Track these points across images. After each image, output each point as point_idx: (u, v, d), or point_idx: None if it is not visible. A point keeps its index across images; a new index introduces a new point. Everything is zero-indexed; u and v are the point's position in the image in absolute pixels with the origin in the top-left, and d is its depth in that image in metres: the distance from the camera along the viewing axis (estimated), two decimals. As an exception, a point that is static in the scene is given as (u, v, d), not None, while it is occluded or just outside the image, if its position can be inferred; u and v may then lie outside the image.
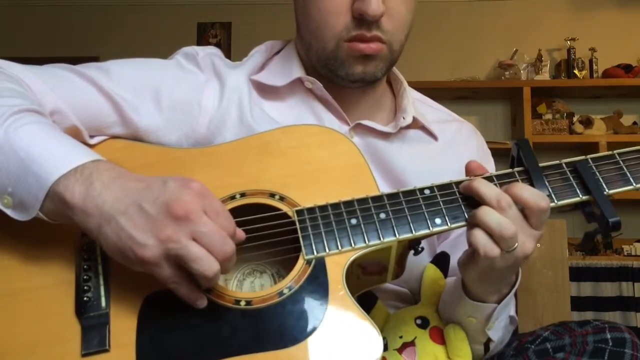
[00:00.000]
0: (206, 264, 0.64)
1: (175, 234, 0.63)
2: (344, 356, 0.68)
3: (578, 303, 3.00)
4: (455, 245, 0.98)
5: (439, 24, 3.73)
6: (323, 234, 0.75)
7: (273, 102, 0.98)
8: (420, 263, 0.94)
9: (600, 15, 3.79)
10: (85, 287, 0.72)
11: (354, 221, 0.76)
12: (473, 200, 0.76)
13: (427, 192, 0.78)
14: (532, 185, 0.77)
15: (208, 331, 0.70)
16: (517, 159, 0.81)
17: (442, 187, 0.78)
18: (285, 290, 0.72)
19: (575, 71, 3.64)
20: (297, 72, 0.97)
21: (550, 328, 0.88)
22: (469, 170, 0.79)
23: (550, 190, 0.77)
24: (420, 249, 0.79)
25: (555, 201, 0.77)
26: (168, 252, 0.64)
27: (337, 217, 0.76)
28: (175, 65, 0.96)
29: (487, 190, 0.74)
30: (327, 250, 0.74)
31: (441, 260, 0.95)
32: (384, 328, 0.91)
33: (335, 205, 0.77)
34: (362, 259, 0.76)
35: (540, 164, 0.78)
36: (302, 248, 0.74)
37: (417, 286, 0.96)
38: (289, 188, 0.80)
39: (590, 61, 3.67)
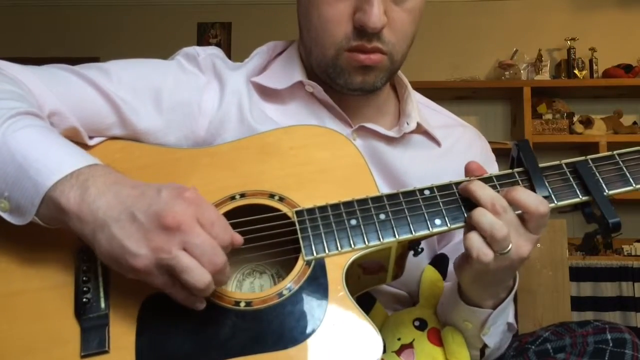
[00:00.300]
0: (197, 274, 0.63)
1: (166, 244, 0.63)
2: (344, 357, 0.68)
3: (578, 303, 3.00)
4: (457, 250, 0.97)
5: (439, 24, 3.73)
6: (323, 234, 0.75)
7: (274, 105, 0.98)
8: (419, 265, 0.94)
9: (600, 15, 3.79)
10: (85, 289, 0.72)
11: (353, 222, 0.75)
12: (472, 201, 0.75)
13: (427, 192, 0.78)
14: (532, 185, 0.77)
15: (208, 332, 0.70)
16: (517, 159, 0.80)
17: (442, 187, 0.78)
18: (285, 291, 0.72)
19: (576, 71, 3.64)
20: (298, 75, 0.96)
21: (551, 328, 0.88)
22: (469, 171, 0.79)
23: (550, 191, 0.77)
24: (420, 249, 0.79)
25: (555, 202, 0.76)
26: (159, 262, 0.64)
27: (336, 217, 0.76)
28: (176, 66, 0.96)
29: (483, 192, 0.73)
30: (326, 251, 0.74)
31: (440, 262, 0.95)
32: (382, 330, 0.91)
33: (335, 206, 0.77)
34: (361, 260, 0.75)
35: (540, 165, 0.78)
36: (302, 249, 0.74)
37: (415, 289, 0.95)
38: (289, 189, 0.80)
39: (591, 61, 3.68)
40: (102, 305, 0.72)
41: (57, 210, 0.67)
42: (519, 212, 0.73)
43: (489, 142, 1.11)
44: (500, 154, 1.12)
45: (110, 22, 3.94)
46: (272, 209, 0.78)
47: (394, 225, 0.75)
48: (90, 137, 0.86)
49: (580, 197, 0.77)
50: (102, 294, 0.72)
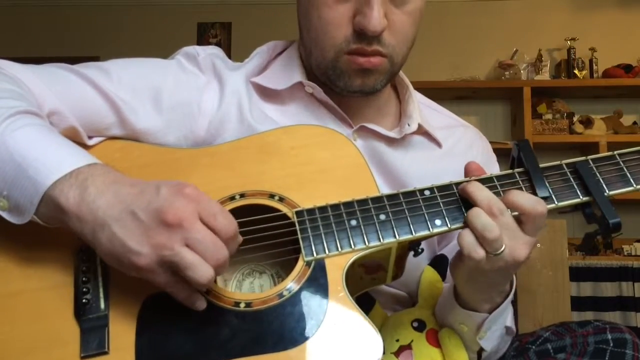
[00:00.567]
0: (200, 270, 0.63)
1: (168, 241, 0.63)
2: (345, 358, 0.68)
3: (578, 303, 3.00)
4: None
5: (439, 24, 3.72)
6: (323, 235, 0.75)
7: (274, 105, 0.97)
8: (419, 266, 0.94)
9: (601, 15, 3.79)
10: (84, 289, 0.72)
11: (353, 222, 0.75)
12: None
13: (427, 193, 0.77)
14: (532, 185, 0.76)
15: (208, 333, 0.70)
16: (517, 159, 0.80)
17: (442, 188, 0.78)
18: (285, 292, 0.72)
19: (576, 71, 3.64)
20: (298, 76, 0.96)
21: (551, 328, 0.88)
22: (468, 172, 0.79)
23: (551, 191, 0.77)
24: (420, 250, 0.79)
25: (556, 202, 0.76)
26: (162, 259, 0.64)
27: (336, 218, 0.76)
28: (177, 66, 0.96)
29: (480, 194, 0.73)
30: (326, 251, 0.74)
31: (439, 263, 0.94)
32: (380, 331, 0.90)
33: (335, 206, 0.77)
34: (361, 260, 0.75)
35: (541, 165, 0.78)
36: (302, 249, 0.74)
37: (415, 289, 0.95)
38: (289, 189, 0.79)
39: (590, 61, 3.67)
40: (102, 305, 0.71)
41: (56, 209, 0.67)
42: (516, 213, 0.73)
43: (489, 142, 1.11)
44: (500, 154, 1.12)
45: (110, 22, 3.94)
46: (272, 209, 0.78)
47: (394, 225, 0.75)
48: (90, 137, 0.86)
49: (581, 197, 0.77)
50: (101, 295, 0.72)
